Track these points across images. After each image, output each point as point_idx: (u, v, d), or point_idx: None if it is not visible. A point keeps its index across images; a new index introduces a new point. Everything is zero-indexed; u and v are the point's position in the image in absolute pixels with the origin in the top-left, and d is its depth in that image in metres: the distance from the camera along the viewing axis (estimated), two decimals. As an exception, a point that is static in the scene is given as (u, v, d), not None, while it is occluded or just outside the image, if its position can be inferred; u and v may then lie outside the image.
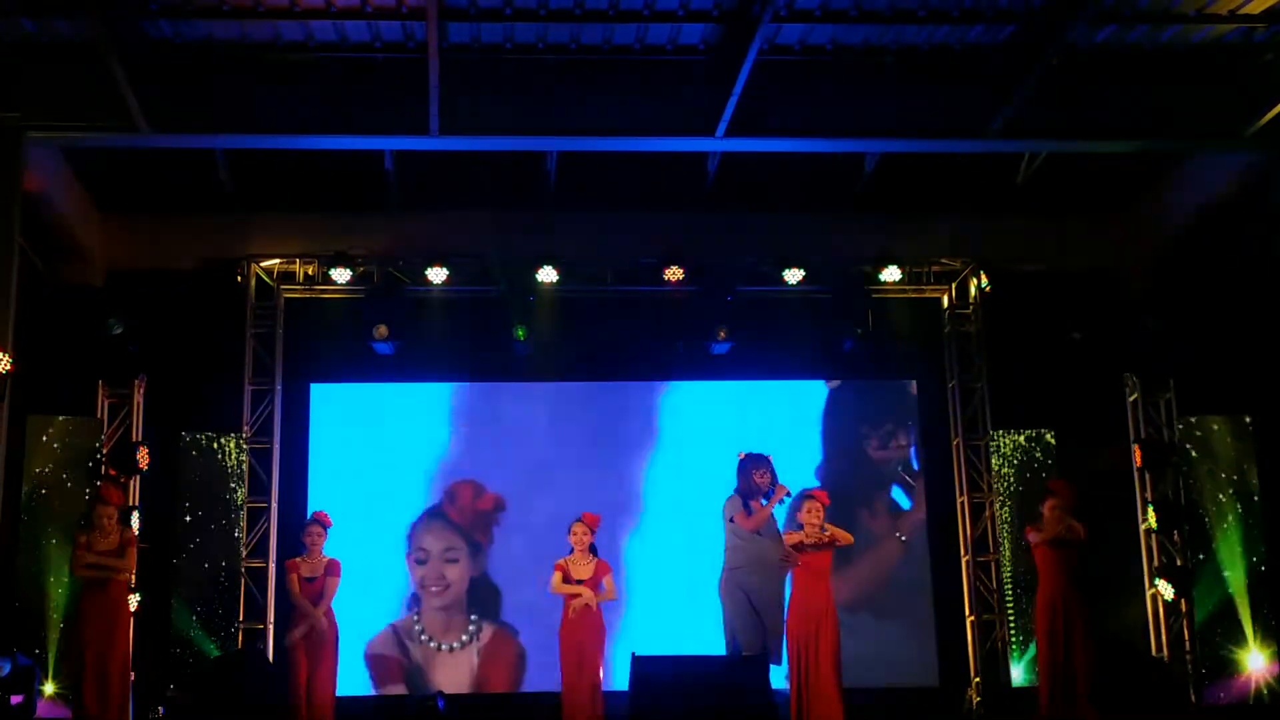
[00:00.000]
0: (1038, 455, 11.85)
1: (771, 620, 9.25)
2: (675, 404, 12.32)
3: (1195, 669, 11.09)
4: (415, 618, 11.84)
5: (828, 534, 9.17)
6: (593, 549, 9.58)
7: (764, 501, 9.44)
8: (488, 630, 11.86)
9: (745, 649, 9.13)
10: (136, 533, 10.15)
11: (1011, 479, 11.83)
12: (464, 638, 11.85)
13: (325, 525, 9.85)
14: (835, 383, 12.48)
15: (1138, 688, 9.11)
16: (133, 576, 9.77)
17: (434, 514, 12.03)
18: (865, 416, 12.43)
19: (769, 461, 9.50)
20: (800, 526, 9.23)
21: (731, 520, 9.42)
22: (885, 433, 12.41)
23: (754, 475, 9.45)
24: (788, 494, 9.39)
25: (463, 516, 12.02)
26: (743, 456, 9.53)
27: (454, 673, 11.74)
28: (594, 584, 9.45)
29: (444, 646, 11.82)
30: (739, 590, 9.33)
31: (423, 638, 11.82)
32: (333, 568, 9.71)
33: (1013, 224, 12.22)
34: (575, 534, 9.59)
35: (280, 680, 9.57)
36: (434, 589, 11.89)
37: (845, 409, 12.45)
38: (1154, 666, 10.79)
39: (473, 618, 11.88)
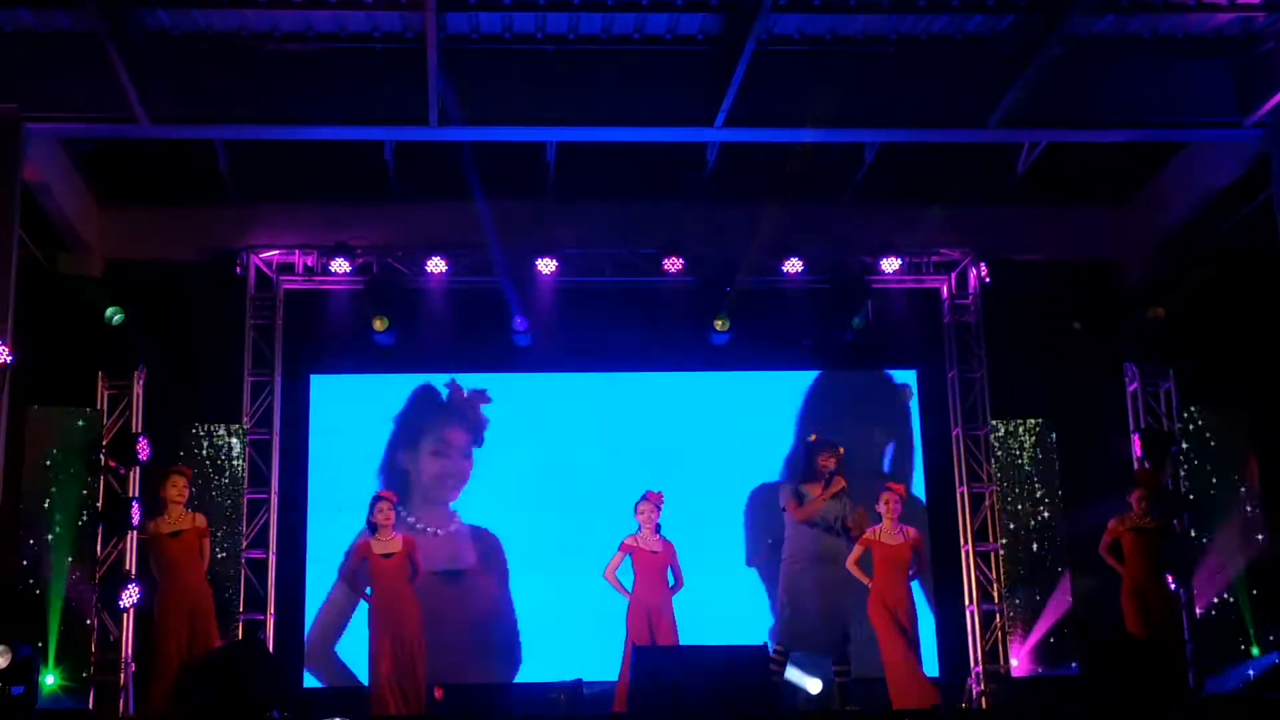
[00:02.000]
0: (1037, 445, 11.85)
1: (824, 613, 8.89)
2: (674, 394, 12.31)
3: (1195, 659, 11.10)
4: None
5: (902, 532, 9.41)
6: (658, 527, 9.55)
7: (824, 487, 9.08)
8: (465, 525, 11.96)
9: (792, 641, 8.88)
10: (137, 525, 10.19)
11: (1011, 469, 11.83)
12: (450, 527, 11.93)
13: (393, 502, 9.80)
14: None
15: (1138, 678, 9.09)
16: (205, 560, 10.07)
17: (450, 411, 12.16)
18: (865, 404, 12.43)
19: (838, 450, 9.15)
20: (880, 518, 9.14)
21: (783, 509, 9.11)
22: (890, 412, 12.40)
23: (818, 459, 9.04)
24: (843, 487, 9.05)
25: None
26: (814, 439, 9.15)
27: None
28: (663, 562, 9.41)
29: (427, 530, 11.83)
30: (793, 581, 9.03)
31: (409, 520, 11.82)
32: (409, 543, 9.59)
33: (1013, 214, 12.21)
34: (642, 512, 9.58)
35: (280, 671, 9.56)
36: (451, 483, 11.95)
37: (842, 401, 12.44)
38: (1154, 656, 10.78)
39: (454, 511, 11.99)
